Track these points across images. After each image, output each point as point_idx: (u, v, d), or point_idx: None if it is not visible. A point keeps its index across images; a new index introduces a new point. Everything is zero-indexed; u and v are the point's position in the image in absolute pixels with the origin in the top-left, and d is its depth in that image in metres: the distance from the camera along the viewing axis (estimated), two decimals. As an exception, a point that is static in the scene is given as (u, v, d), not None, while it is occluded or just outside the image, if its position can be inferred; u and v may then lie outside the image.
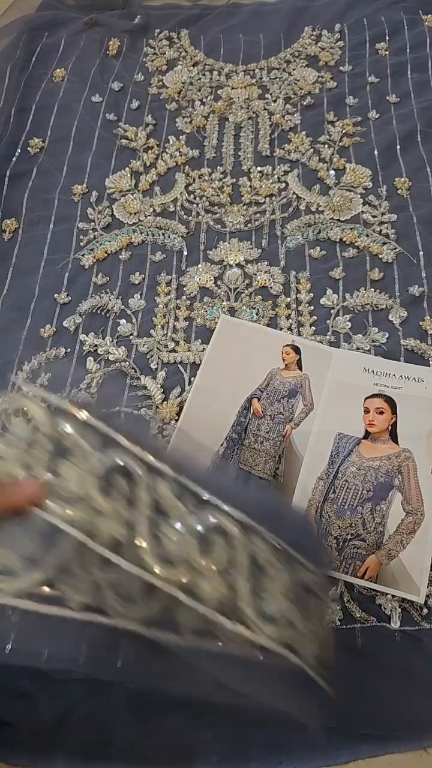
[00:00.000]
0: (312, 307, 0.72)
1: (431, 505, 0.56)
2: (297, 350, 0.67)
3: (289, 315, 0.71)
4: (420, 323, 0.69)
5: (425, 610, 0.53)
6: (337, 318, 0.70)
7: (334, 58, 0.95)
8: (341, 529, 0.56)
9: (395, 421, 0.61)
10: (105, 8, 1.08)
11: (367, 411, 0.62)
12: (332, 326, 0.70)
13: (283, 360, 0.67)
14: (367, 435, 0.61)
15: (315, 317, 0.71)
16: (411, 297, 0.71)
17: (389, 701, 0.50)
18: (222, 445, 0.62)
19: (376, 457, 0.59)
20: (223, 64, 0.98)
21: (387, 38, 0.96)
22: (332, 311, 0.71)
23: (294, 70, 0.95)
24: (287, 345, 0.68)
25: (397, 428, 0.61)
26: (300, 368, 0.66)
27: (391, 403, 0.62)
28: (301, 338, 0.69)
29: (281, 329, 0.70)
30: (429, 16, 0.97)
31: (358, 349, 0.68)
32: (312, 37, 0.99)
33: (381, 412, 0.62)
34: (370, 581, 0.54)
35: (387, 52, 0.95)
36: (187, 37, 1.03)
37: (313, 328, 0.70)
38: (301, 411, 0.64)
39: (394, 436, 0.60)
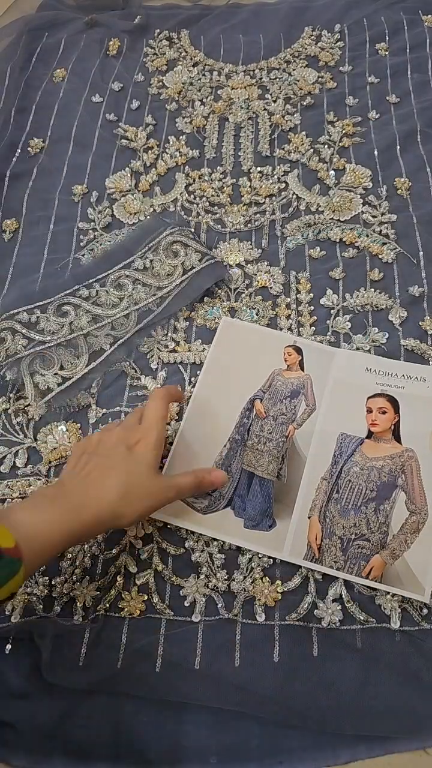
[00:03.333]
0: (312, 308, 0.72)
1: (434, 505, 0.56)
2: (299, 351, 0.67)
3: (289, 315, 0.71)
4: (420, 323, 0.69)
5: (425, 610, 0.53)
6: (337, 318, 0.70)
7: (334, 58, 0.95)
8: (345, 529, 0.56)
9: (398, 421, 0.61)
10: (105, 8, 1.08)
11: (369, 411, 0.62)
12: (332, 326, 0.70)
13: (285, 361, 0.67)
14: (370, 435, 0.61)
15: (315, 317, 0.71)
16: (411, 297, 0.71)
17: (389, 701, 0.50)
18: (225, 446, 0.62)
19: (380, 456, 0.59)
20: (223, 64, 0.98)
21: (387, 38, 0.96)
22: (332, 311, 0.71)
23: (294, 70, 0.95)
24: (289, 346, 0.68)
25: (400, 428, 0.61)
26: (302, 369, 0.66)
27: (393, 402, 0.62)
28: (303, 339, 0.68)
29: (281, 329, 0.70)
30: (429, 16, 0.97)
31: (358, 349, 0.68)
32: (312, 37, 0.99)
33: (384, 412, 0.62)
34: (375, 581, 0.54)
35: (387, 53, 0.95)
36: (187, 37, 1.02)
37: (313, 328, 0.70)
38: (303, 411, 0.63)
39: (397, 436, 0.60)
